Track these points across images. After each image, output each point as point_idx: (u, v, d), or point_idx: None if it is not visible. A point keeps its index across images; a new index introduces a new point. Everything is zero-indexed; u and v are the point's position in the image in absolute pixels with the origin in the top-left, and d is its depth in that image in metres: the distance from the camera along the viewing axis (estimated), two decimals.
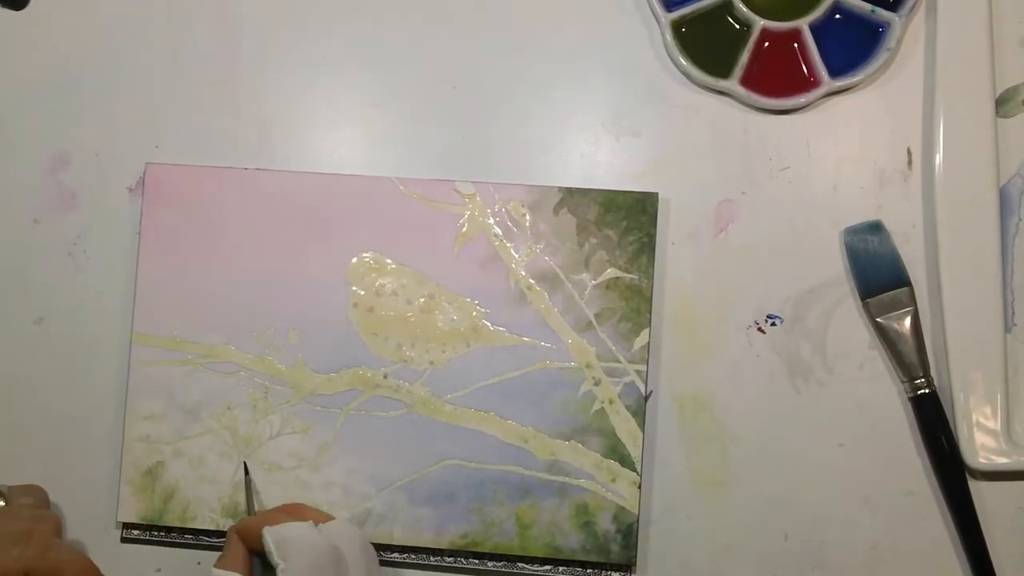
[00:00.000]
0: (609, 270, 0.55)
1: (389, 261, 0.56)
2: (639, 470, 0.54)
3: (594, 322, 0.55)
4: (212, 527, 0.55)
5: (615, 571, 0.55)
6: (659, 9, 0.56)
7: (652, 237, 0.55)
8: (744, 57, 0.56)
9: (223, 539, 0.55)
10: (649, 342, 0.55)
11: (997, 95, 0.55)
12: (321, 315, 0.56)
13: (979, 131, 0.54)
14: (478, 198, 0.56)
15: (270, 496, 0.55)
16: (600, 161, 0.57)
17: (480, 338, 0.55)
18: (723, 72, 0.56)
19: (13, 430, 0.57)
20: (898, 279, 0.54)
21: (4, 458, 0.57)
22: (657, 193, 0.55)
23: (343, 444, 0.55)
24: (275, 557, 0.49)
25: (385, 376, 0.55)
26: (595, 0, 0.58)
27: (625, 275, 0.55)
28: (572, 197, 0.55)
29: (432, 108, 0.58)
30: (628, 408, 0.54)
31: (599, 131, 0.57)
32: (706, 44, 0.56)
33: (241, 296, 0.56)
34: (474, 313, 0.55)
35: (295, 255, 0.56)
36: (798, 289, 0.56)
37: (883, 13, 0.56)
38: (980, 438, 0.53)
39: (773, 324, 0.56)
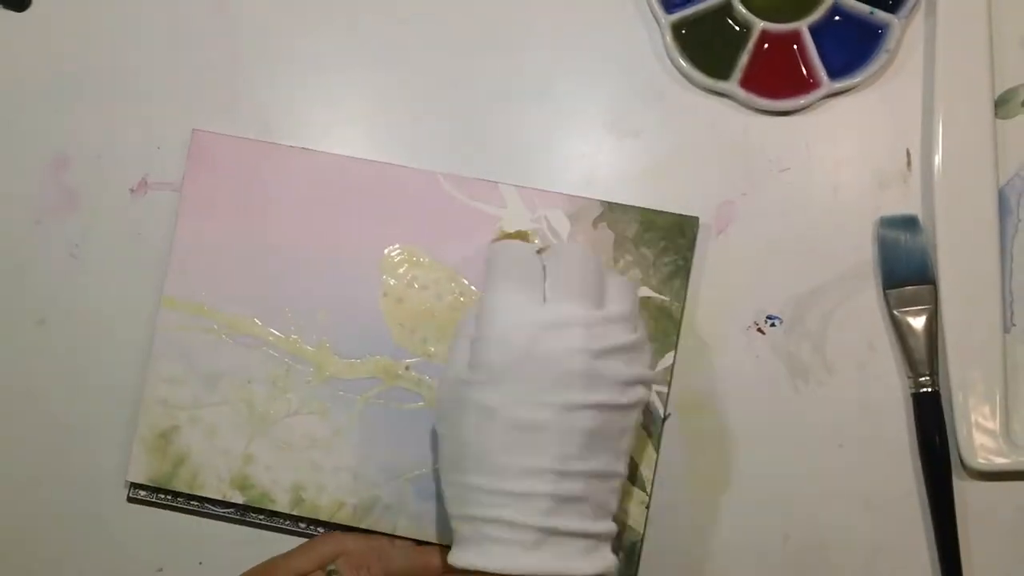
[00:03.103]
0: (641, 289, 0.55)
1: (424, 255, 0.56)
2: (649, 491, 0.54)
3: None
4: (219, 497, 0.55)
5: None
6: (659, 11, 0.57)
7: (688, 261, 0.55)
8: (744, 59, 0.56)
9: (229, 510, 0.56)
10: (673, 365, 0.54)
11: (996, 96, 0.55)
12: (351, 300, 0.55)
13: (978, 132, 0.54)
14: (520, 202, 0.56)
15: (278, 473, 0.55)
16: (600, 162, 0.57)
17: None
18: (723, 74, 0.56)
19: (13, 430, 0.58)
20: (923, 275, 0.54)
21: (4, 458, 0.58)
22: (698, 218, 0.55)
23: (358, 431, 0.55)
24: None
25: (407, 368, 0.55)
26: (595, 2, 0.58)
27: (657, 296, 0.55)
28: (612, 212, 0.55)
29: (429, 109, 0.58)
30: (644, 428, 0.54)
31: (599, 132, 0.57)
32: (706, 46, 0.57)
33: (273, 272, 0.56)
34: None
35: (332, 238, 0.56)
36: (798, 290, 0.56)
37: (882, 15, 0.56)
38: (979, 438, 0.53)
39: (773, 325, 0.56)
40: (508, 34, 0.58)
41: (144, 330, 0.57)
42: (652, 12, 0.57)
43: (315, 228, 0.56)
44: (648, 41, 0.58)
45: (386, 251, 0.56)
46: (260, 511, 0.56)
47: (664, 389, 0.54)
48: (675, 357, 0.54)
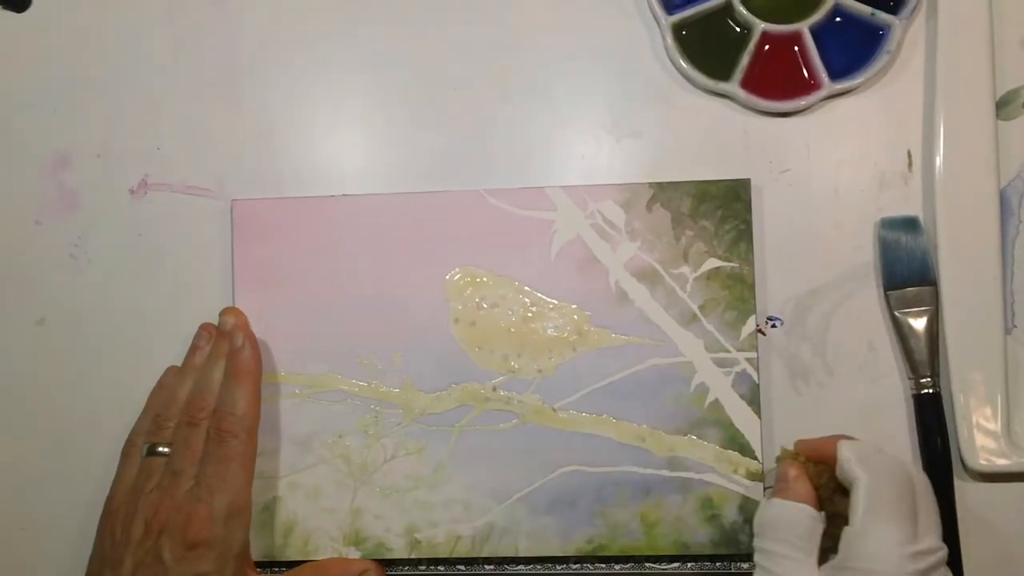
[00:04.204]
0: (709, 260, 0.55)
1: (485, 273, 0.55)
2: (761, 458, 0.54)
3: (699, 314, 0.55)
4: (336, 556, 0.55)
5: (744, 562, 0.54)
6: (660, 12, 0.57)
7: (748, 224, 0.55)
8: (744, 60, 0.56)
9: None
10: (757, 330, 0.54)
11: (997, 97, 0.55)
12: (423, 334, 0.55)
13: (979, 133, 0.54)
14: (570, 202, 0.55)
15: (389, 520, 0.55)
16: (600, 163, 0.57)
17: (586, 342, 0.55)
18: (723, 75, 0.56)
19: (12, 429, 0.58)
20: (924, 277, 0.54)
21: (4, 458, 0.58)
22: (749, 179, 0.55)
23: (459, 461, 0.55)
24: (856, 469, 0.47)
25: (494, 389, 0.55)
26: (596, 3, 0.58)
27: (725, 264, 0.55)
28: (664, 191, 0.55)
29: (428, 112, 0.58)
30: (743, 397, 0.54)
31: (599, 133, 0.57)
32: (706, 47, 0.57)
33: (341, 323, 0.56)
34: (576, 317, 0.55)
35: (391, 277, 0.56)
36: (798, 291, 0.56)
37: (883, 16, 0.56)
38: (980, 439, 0.53)
39: (774, 326, 0.56)
40: (508, 36, 0.58)
41: (143, 329, 0.57)
42: (653, 13, 0.57)
43: (371, 271, 0.56)
44: (648, 42, 0.58)
45: (447, 278, 0.56)
46: (379, 562, 0.55)
47: (754, 355, 0.54)
48: (757, 321, 0.54)
